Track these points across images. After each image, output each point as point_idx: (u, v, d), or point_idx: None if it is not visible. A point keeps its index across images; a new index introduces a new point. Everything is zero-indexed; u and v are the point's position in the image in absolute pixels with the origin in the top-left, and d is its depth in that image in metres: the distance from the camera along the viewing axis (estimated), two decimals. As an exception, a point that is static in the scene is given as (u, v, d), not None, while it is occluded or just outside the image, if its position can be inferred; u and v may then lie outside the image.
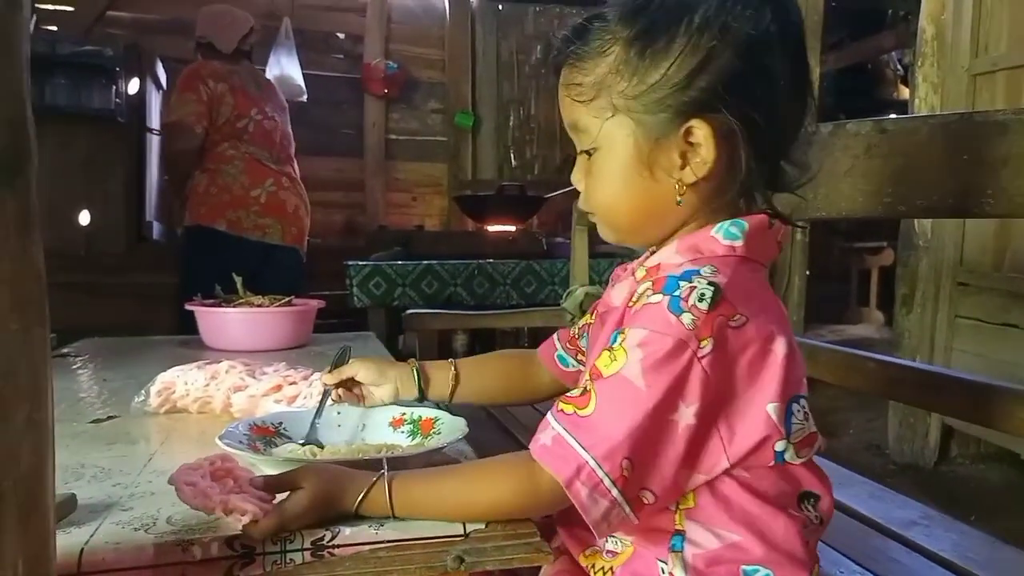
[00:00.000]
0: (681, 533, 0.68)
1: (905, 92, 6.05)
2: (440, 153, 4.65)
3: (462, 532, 0.65)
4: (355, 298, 2.94)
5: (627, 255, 1.19)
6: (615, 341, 0.65)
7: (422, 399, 0.94)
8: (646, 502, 0.64)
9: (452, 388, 0.93)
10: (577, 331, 0.93)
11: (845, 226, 5.80)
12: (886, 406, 3.12)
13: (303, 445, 0.85)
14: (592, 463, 0.62)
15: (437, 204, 4.66)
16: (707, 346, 0.62)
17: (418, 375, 0.93)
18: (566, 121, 0.75)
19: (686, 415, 0.63)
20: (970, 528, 1.10)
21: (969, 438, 2.88)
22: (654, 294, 0.65)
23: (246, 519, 0.60)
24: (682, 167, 0.69)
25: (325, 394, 0.92)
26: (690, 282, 0.64)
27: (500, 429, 1.69)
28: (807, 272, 3.42)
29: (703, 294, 0.63)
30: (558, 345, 0.96)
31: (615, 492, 0.62)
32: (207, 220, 2.79)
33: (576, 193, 0.77)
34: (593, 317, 0.88)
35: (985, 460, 2.90)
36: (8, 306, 0.46)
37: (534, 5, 4.73)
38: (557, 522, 0.80)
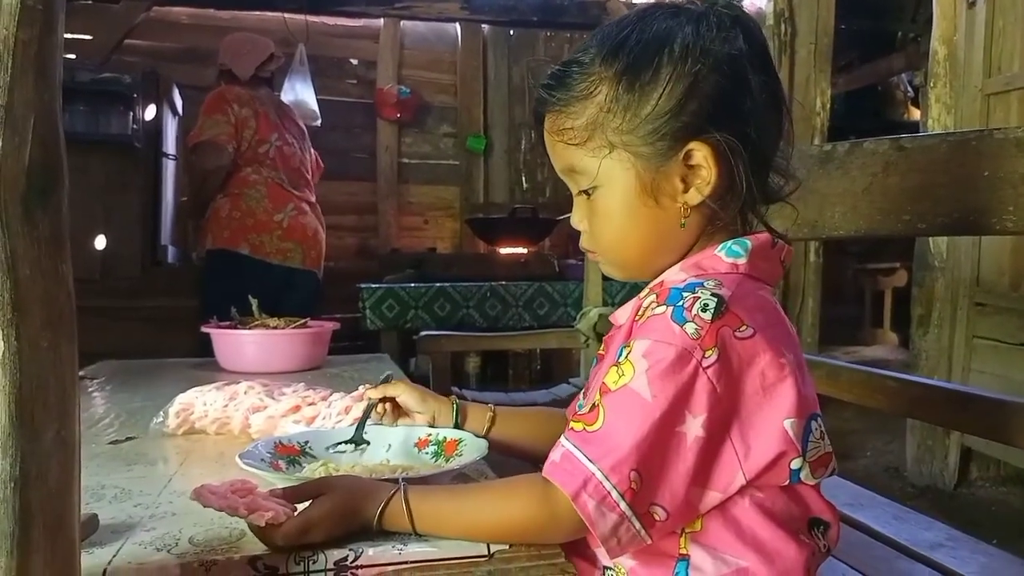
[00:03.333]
0: (686, 558, 0.67)
1: (915, 113, 6.06)
2: (452, 176, 4.67)
3: (486, 552, 0.64)
4: (368, 320, 2.95)
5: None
6: (621, 355, 0.66)
7: None
8: (657, 519, 0.63)
9: (487, 430, 0.92)
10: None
11: (857, 247, 5.78)
12: (903, 428, 3.08)
13: (352, 445, 0.88)
14: (599, 475, 0.61)
15: (449, 227, 4.68)
16: (712, 356, 0.62)
17: (457, 410, 0.93)
18: (559, 167, 0.76)
19: (694, 427, 0.62)
20: (997, 550, 1.08)
21: (989, 460, 2.84)
22: (658, 306, 0.66)
23: (269, 515, 0.60)
24: (684, 190, 0.71)
25: (370, 405, 0.93)
26: (693, 293, 0.65)
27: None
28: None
29: (706, 304, 0.64)
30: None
31: (623, 505, 0.61)
32: (230, 244, 2.82)
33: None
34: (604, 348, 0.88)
35: (1006, 482, 2.86)
36: (40, 324, 0.46)
37: (544, 31, 4.78)
38: None
